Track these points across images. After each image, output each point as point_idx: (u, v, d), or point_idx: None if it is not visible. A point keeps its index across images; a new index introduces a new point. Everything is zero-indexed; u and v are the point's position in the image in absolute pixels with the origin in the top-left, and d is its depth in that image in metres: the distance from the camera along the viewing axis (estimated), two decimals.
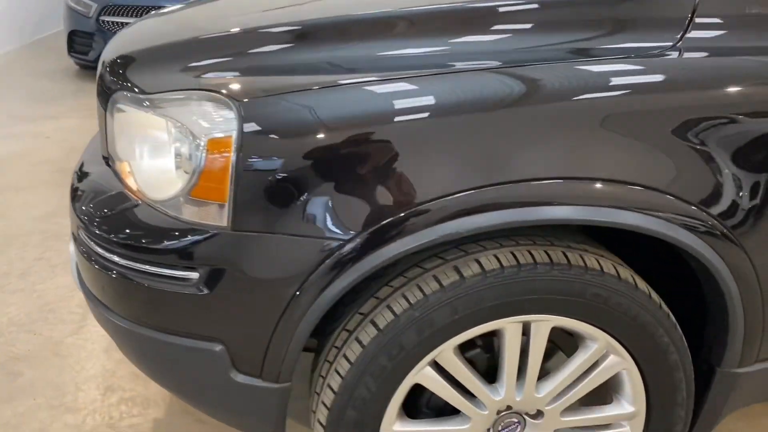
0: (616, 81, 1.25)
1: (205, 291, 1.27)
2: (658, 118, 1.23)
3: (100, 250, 1.37)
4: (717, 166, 1.26)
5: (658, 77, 1.25)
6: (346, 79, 1.23)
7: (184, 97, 1.27)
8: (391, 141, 1.20)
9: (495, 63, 1.24)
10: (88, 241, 1.39)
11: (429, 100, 1.21)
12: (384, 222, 1.21)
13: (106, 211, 1.40)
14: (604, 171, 1.24)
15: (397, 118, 1.20)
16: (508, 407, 1.42)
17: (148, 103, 1.32)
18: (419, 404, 1.45)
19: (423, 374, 1.34)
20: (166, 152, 1.29)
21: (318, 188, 1.21)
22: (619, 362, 1.41)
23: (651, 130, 1.24)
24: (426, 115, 1.21)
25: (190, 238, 1.26)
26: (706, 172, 1.26)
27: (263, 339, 1.29)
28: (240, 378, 1.34)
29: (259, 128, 1.21)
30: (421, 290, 1.29)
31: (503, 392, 1.39)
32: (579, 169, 1.23)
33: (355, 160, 1.21)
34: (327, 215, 1.22)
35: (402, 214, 1.21)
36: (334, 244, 1.22)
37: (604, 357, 1.42)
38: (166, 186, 1.29)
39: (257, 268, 1.25)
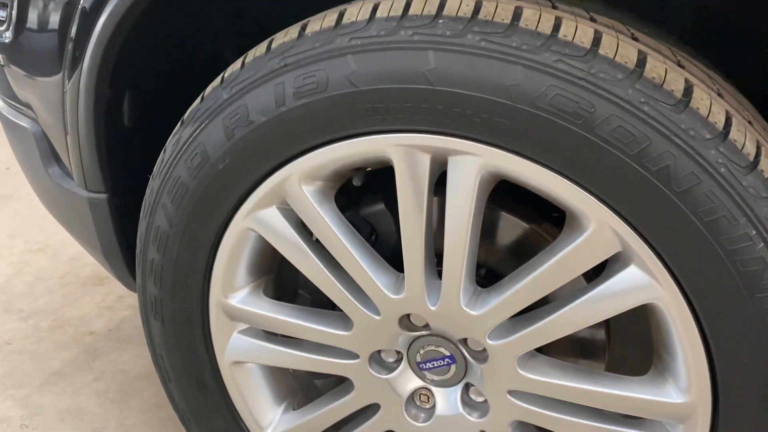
0: None
1: (10, 37, 0.92)
2: None
3: None
4: None
5: None
6: None
7: None
8: None
9: None
10: None
11: None
12: None
13: None
14: None
15: None
16: (426, 325, 0.77)
17: None
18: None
19: (258, 217, 0.77)
20: None
21: None
22: (645, 285, 0.65)
23: None
24: None
25: None
26: None
27: (57, 115, 0.89)
28: (54, 172, 0.96)
29: None
30: (244, 59, 0.74)
31: (405, 288, 0.75)
32: None
33: None
34: None
35: None
36: None
37: (618, 266, 0.67)
38: None
39: None
